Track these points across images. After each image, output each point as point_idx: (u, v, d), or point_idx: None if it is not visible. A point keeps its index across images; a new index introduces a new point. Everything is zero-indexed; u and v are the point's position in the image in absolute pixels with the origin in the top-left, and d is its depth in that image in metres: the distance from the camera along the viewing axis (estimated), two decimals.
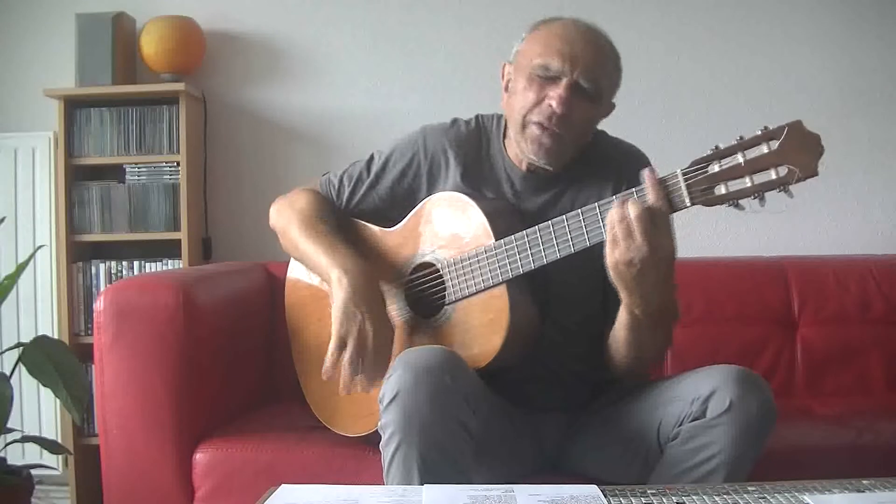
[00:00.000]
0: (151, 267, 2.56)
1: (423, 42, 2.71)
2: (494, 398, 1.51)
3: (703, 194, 1.28)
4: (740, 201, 1.26)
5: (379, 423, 1.34)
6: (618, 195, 1.35)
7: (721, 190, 1.27)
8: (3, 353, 2.19)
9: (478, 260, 1.49)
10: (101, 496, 1.79)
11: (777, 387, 2.09)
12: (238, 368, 2.01)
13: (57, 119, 2.55)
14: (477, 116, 1.68)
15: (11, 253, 2.63)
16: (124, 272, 2.56)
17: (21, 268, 2.08)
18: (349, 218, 1.72)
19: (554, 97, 1.47)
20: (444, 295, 1.54)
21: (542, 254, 1.42)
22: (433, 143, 1.65)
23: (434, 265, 1.56)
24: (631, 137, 1.66)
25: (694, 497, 1.10)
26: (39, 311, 2.64)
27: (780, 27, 2.64)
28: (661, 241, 1.29)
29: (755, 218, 2.56)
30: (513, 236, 1.45)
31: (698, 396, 1.36)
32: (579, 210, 1.39)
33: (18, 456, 2.33)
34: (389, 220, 1.66)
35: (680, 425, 1.38)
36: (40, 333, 2.25)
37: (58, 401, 2.16)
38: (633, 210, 1.28)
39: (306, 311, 1.75)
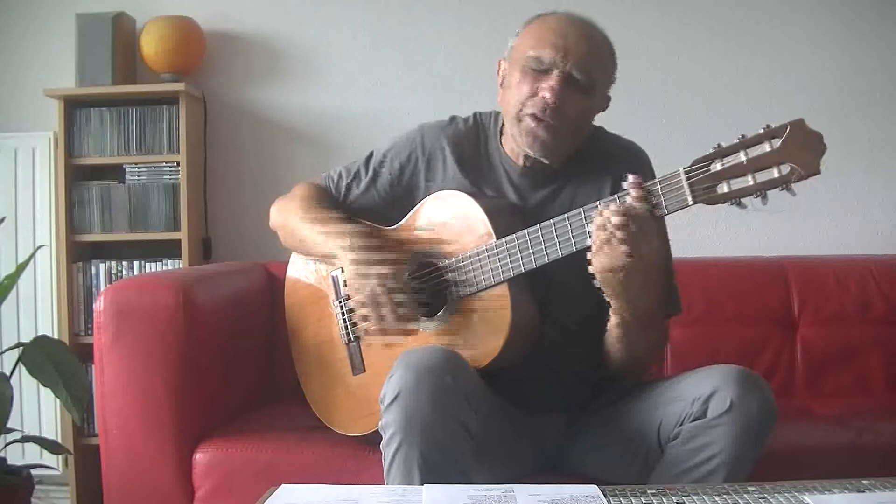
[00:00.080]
0: (151, 267, 2.56)
1: (423, 42, 2.71)
2: (494, 398, 1.50)
3: (706, 192, 1.28)
4: (743, 200, 1.26)
5: (380, 423, 1.34)
6: (601, 201, 1.35)
7: (723, 188, 1.27)
8: (3, 353, 2.19)
9: (479, 258, 1.49)
10: (101, 496, 1.79)
11: (777, 387, 2.09)
12: (238, 368, 2.01)
13: (57, 119, 2.55)
14: (475, 114, 1.68)
15: (11, 253, 2.63)
16: (124, 272, 2.56)
17: (21, 268, 2.07)
18: (350, 215, 1.71)
19: (546, 89, 1.47)
20: (446, 294, 1.54)
21: (544, 252, 1.42)
22: (430, 141, 1.65)
23: (435, 264, 1.56)
24: (631, 137, 1.66)
25: (694, 497, 1.10)
26: (39, 311, 2.64)
27: (780, 27, 2.64)
28: (646, 246, 1.28)
29: (755, 218, 2.56)
30: (514, 235, 1.45)
31: (699, 396, 1.36)
32: (581, 208, 1.39)
33: (18, 456, 2.33)
34: (389, 219, 1.66)
35: (680, 425, 1.38)
36: (40, 333, 2.24)
37: (58, 401, 2.16)
38: (614, 216, 1.28)
39: (306, 312, 1.75)
